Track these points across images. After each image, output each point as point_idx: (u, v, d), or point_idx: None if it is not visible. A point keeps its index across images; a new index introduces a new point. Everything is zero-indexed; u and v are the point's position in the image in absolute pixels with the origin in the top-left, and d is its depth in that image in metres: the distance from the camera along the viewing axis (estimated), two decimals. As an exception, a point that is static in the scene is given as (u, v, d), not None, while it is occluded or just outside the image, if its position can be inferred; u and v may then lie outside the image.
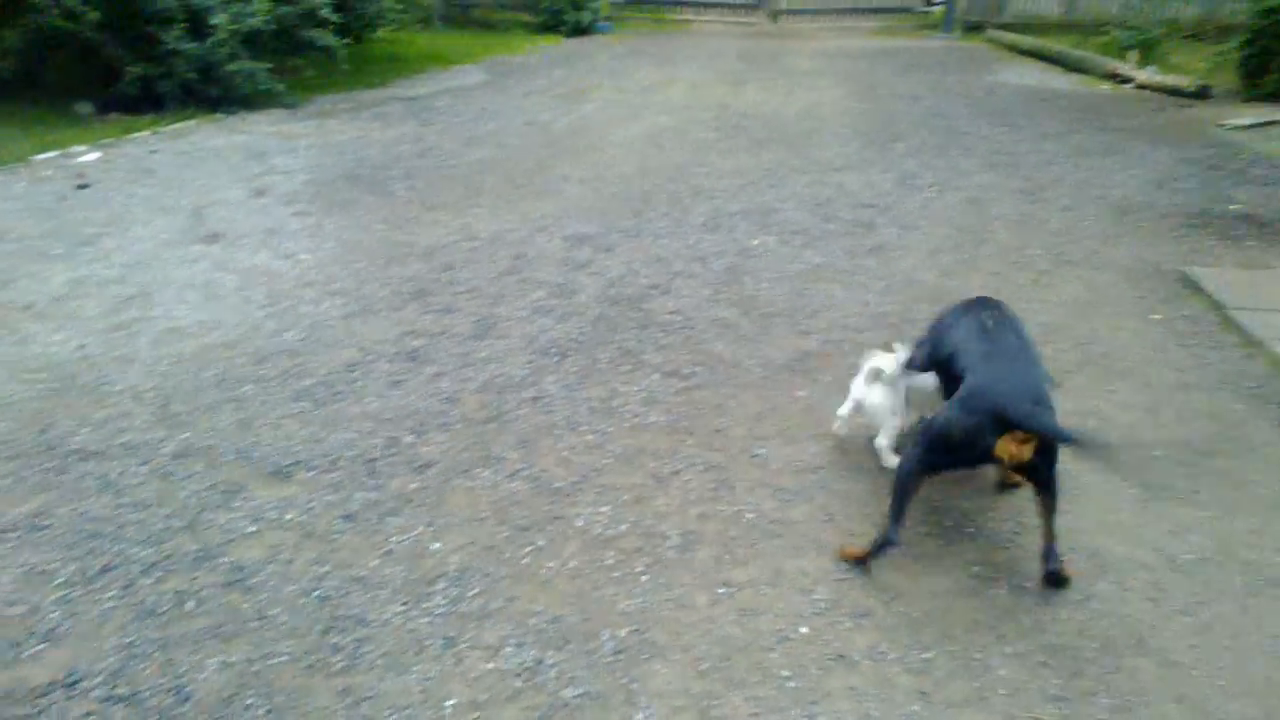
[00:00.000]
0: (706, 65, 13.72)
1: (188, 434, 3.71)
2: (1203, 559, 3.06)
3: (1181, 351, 4.53)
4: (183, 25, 8.92)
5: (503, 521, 3.20)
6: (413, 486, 3.39)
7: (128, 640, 2.65)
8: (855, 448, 3.68)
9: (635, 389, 4.14)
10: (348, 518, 3.21)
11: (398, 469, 3.50)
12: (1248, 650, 2.68)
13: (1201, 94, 11.07)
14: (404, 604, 2.81)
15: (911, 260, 5.67)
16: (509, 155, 8.25)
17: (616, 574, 2.96)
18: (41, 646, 2.63)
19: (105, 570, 2.93)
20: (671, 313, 4.93)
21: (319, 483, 3.41)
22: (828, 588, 2.91)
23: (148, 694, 2.48)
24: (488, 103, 10.62)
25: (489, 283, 5.30)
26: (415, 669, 2.57)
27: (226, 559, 3.00)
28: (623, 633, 2.71)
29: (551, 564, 3.00)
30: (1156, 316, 4.93)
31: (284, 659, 2.60)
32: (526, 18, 18.08)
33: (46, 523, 3.16)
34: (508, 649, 2.64)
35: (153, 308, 4.87)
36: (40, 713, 2.42)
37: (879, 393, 3.50)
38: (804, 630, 2.73)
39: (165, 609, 2.78)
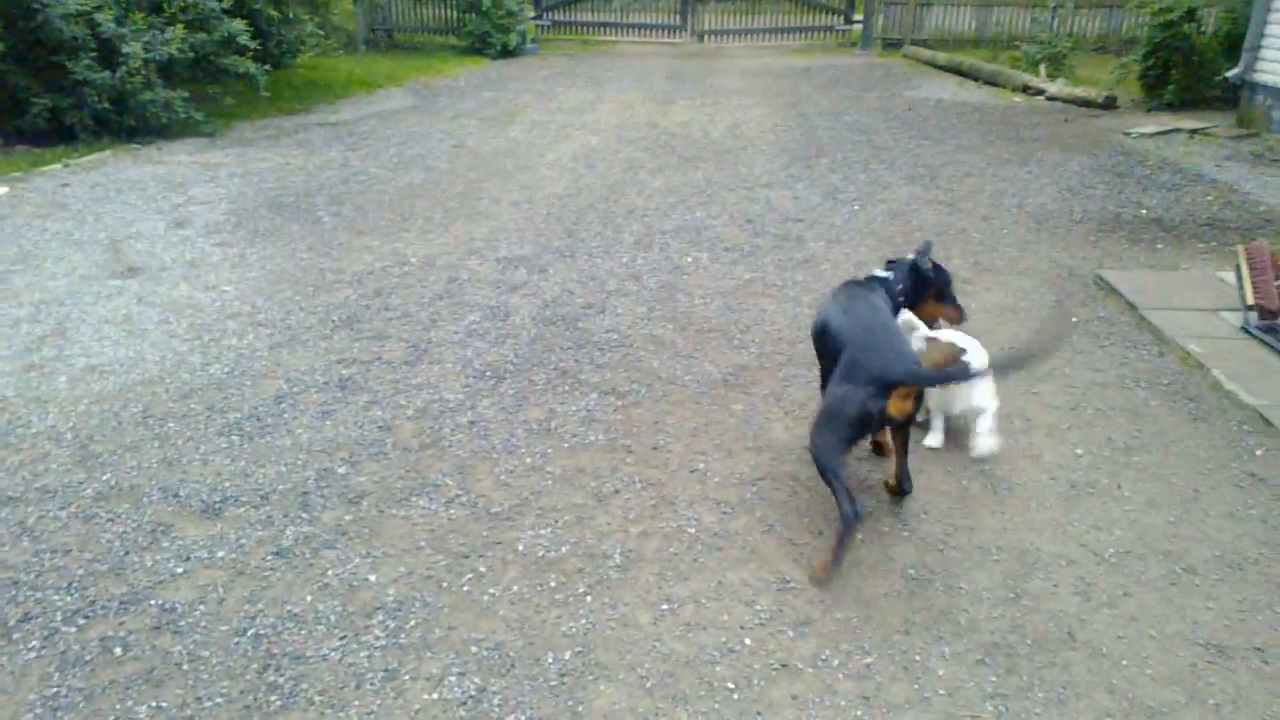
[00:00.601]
0: (634, 85, 13.84)
1: (110, 475, 3.58)
2: (1126, 552, 3.17)
3: (1100, 352, 4.70)
4: (92, 54, 8.67)
5: (441, 549, 3.16)
6: (347, 518, 3.33)
7: (51, 692, 2.54)
8: (791, 459, 3.73)
9: (573, 409, 4.13)
10: (280, 553, 3.13)
11: (331, 501, 3.43)
12: (1171, 638, 2.78)
13: (1108, 104, 11.56)
14: (342, 638, 2.75)
15: (839, 272, 5.78)
16: (438, 179, 8.19)
17: (559, 596, 2.95)
18: (-44, 704, 2.51)
19: (25, 620, 2.81)
20: (607, 331, 4.95)
21: (249, 518, 3.32)
22: (769, 598, 2.93)
23: (73, 747, 2.38)
24: (415, 126, 10.54)
25: (421, 308, 5.25)
26: (355, 704, 2.51)
27: (155, 601, 2.90)
28: (567, 655, 2.70)
29: (493, 590, 2.97)
30: (1074, 319, 5.11)
31: (219, 701, 2.52)
32: (452, 41, 18.00)
33: (-41, 574, 3.01)
34: (450, 678, 2.61)
35: (70, 345, 4.71)
36: (-44, 774, 2.30)
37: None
38: (748, 642, 2.75)
39: (91, 657, 2.67)
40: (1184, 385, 4.35)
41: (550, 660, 2.68)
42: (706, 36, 20.26)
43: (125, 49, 8.70)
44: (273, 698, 2.53)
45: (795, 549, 3.17)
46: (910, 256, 3.79)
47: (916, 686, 2.59)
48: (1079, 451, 3.79)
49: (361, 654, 2.69)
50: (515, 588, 2.98)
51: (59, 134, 8.97)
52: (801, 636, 2.77)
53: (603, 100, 12.49)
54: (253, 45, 10.16)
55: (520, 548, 3.17)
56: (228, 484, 3.52)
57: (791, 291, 5.50)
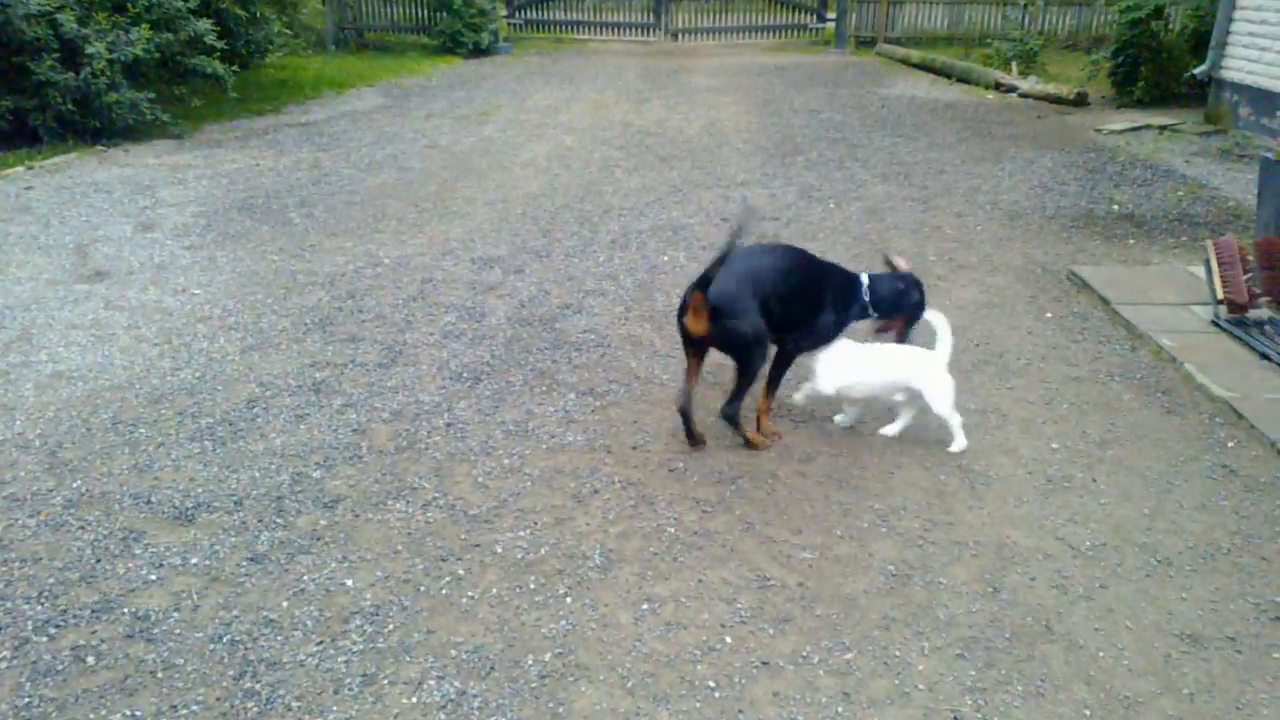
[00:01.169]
0: (608, 84, 13.82)
1: (80, 482, 3.52)
2: (1102, 544, 3.20)
3: (1073, 347, 4.75)
4: (55, 55, 8.52)
5: (419, 553, 3.13)
6: (322, 523, 3.29)
7: (23, 702, 2.49)
8: (771, 456, 3.74)
9: (551, 410, 4.11)
10: (255, 559, 3.09)
11: (306, 506, 3.39)
12: (1147, 630, 2.80)
13: (1079, 101, 11.68)
14: (319, 644, 2.72)
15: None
16: (412, 179, 8.13)
17: (539, 598, 2.93)
18: (-78, 719, 2.45)
19: (-8, 632, 2.76)
20: (585, 332, 4.93)
21: (223, 524, 3.27)
22: (750, 596, 2.93)
23: (43, 761, 2.34)
24: (387, 126, 10.46)
25: (396, 309, 5.20)
26: (333, 710, 2.48)
27: (127, 609, 2.85)
28: (547, 657, 2.68)
29: (471, 593, 2.95)
30: (1049, 315, 5.15)
31: (195, 709, 2.48)
32: (424, 40, 17.89)
33: (-76, 585, 2.95)
34: (429, 682, 2.58)
35: (36, 351, 4.62)
36: (-78, 791, 2.25)
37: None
38: (728, 640, 2.75)
39: (63, 666, 2.62)
40: (1157, 379, 4.40)
41: (530, 662, 2.66)
42: (680, 35, 20.29)
43: (89, 49, 8.57)
44: (249, 704, 2.50)
45: (775, 546, 3.17)
46: (902, 267, 4.03)
47: (896, 682, 2.59)
48: (1054, 446, 3.83)
49: (339, 659, 2.66)
50: (494, 590, 2.96)
51: (22, 136, 8.81)
52: (782, 634, 2.77)
53: (577, 99, 12.46)
54: (220, 45, 10.05)
55: (499, 549, 3.15)
56: (200, 490, 3.47)
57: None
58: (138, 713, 2.47)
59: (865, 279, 3.89)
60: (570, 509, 3.39)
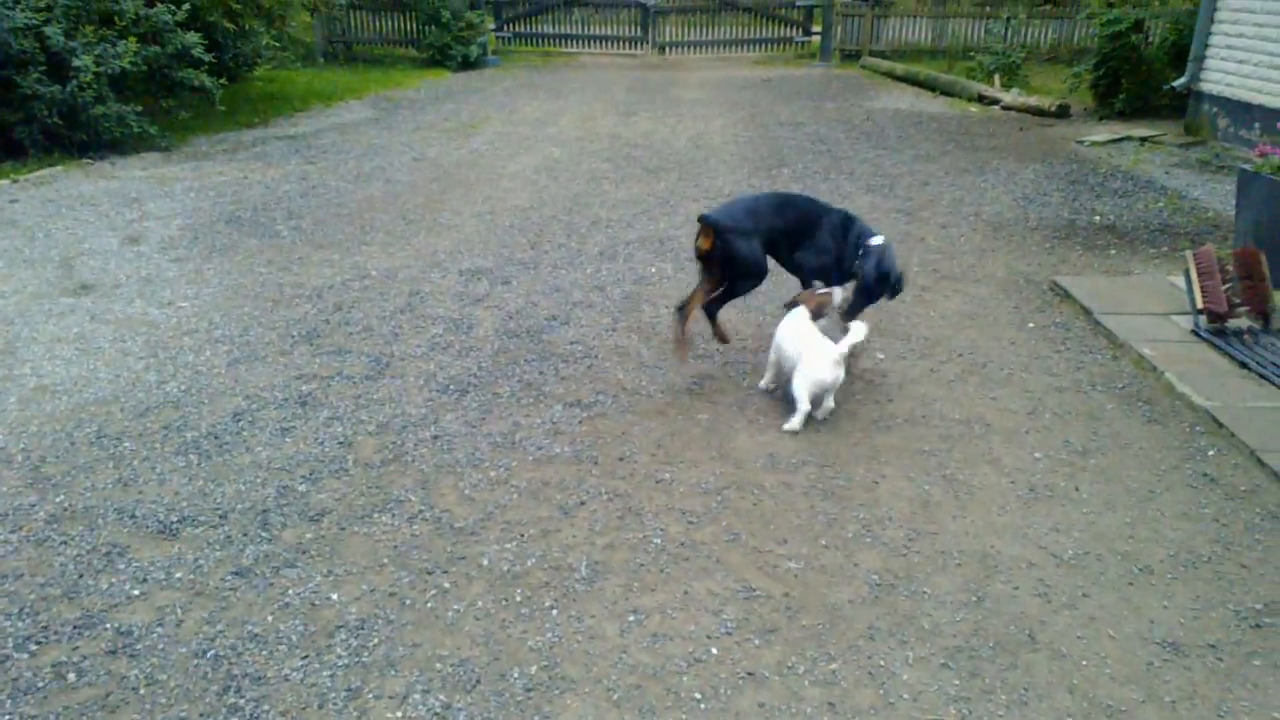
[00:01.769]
0: (596, 97, 13.88)
1: (63, 496, 3.50)
2: (1085, 553, 3.22)
3: (1056, 357, 4.78)
4: (41, 68, 8.50)
5: (404, 566, 3.13)
6: (308, 536, 3.28)
7: (1, 721, 2.48)
8: (757, 467, 3.75)
9: (538, 421, 4.12)
10: (240, 573, 3.08)
11: (291, 519, 3.38)
12: (1129, 638, 2.82)
13: (1061, 113, 11.80)
14: (303, 658, 2.71)
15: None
16: (399, 191, 8.14)
17: (525, 610, 2.93)
18: (-99, 737, 2.43)
19: (-27, 648, 2.74)
20: (572, 343, 4.94)
21: (208, 538, 3.26)
22: (736, 607, 2.94)
23: (25, 778, 2.32)
24: (375, 139, 10.47)
25: (383, 321, 5.20)
26: (318, 725, 2.48)
27: (110, 625, 2.84)
28: (533, 669, 2.68)
29: (457, 606, 2.94)
30: (1031, 325, 5.20)
31: (176, 727, 2.47)
32: (412, 53, 17.94)
33: (-96, 602, 2.93)
34: (414, 696, 2.58)
35: (20, 365, 4.60)
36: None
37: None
38: (714, 651, 2.75)
39: (44, 683, 2.61)
40: (1138, 388, 4.44)
41: (516, 675, 2.66)
42: (668, 48, 20.39)
43: (76, 62, 8.55)
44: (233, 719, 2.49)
45: (761, 557, 3.18)
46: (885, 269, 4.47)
47: (881, 692, 2.61)
48: (1037, 455, 3.85)
49: (324, 673, 2.66)
50: (480, 603, 2.96)
51: (8, 149, 8.78)
52: (767, 645, 2.78)
53: (565, 112, 12.51)
54: (208, 58, 10.04)
55: (485, 562, 3.15)
56: (185, 504, 3.46)
57: (755, 301, 5.51)
58: (120, 729, 2.45)
59: (873, 242, 4.51)
60: (557, 521, 3.39)
